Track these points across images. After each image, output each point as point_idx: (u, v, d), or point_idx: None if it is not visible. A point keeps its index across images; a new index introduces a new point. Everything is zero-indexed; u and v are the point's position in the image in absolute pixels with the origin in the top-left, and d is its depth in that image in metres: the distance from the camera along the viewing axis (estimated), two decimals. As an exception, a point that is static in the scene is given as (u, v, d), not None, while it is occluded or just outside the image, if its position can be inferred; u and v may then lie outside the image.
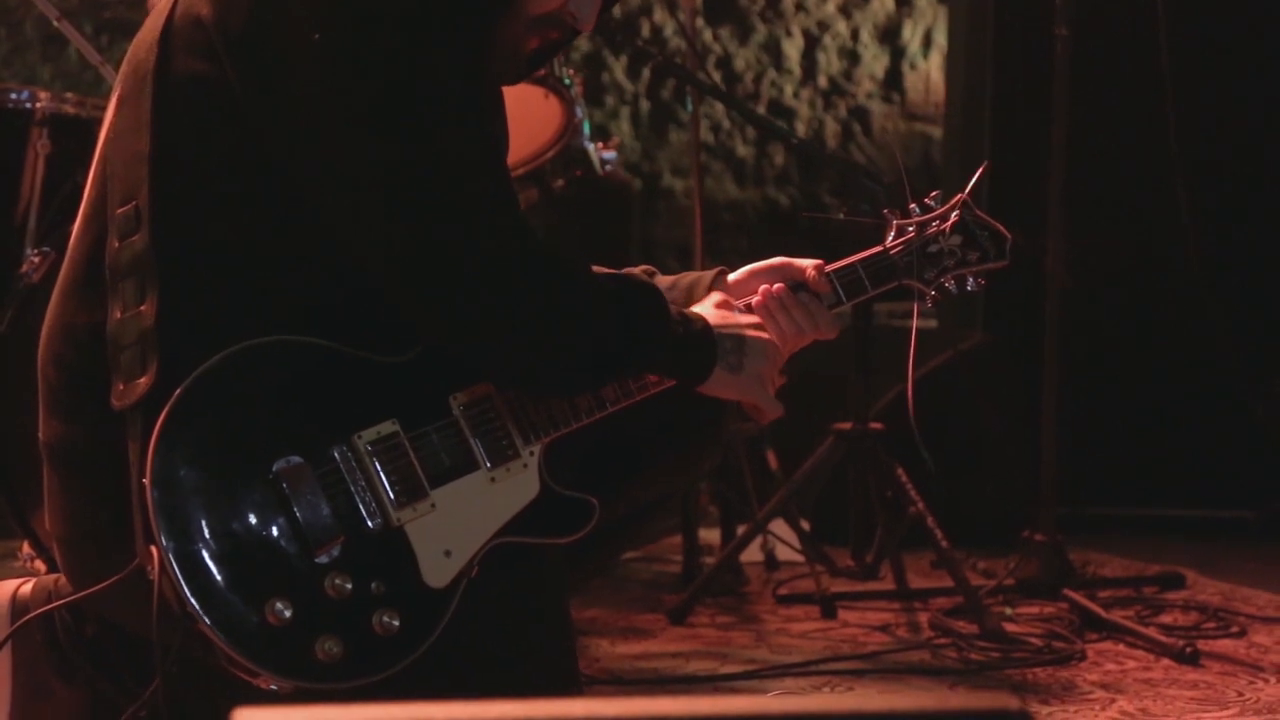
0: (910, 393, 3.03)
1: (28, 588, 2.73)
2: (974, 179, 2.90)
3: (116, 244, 2.49)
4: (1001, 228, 2.87)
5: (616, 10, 6.54)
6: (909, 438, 4.44)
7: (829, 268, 2.77)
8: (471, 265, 2.39)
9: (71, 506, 2.55)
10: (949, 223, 2.84)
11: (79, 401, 2.51)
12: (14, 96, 3.97)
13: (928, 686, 3.63)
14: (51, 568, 3.19)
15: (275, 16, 2.42)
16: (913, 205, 2.85)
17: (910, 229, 2.83)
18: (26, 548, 3.38)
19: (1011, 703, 1.53)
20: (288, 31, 2.40)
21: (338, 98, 2.39)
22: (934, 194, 2.87)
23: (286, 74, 2.40)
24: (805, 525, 4.52)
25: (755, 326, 2.61)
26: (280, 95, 2.41)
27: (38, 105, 3.95)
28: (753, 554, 4.63)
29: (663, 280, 2.79)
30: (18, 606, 2.69)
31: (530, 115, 4.06)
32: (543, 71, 3.94)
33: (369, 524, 2.42)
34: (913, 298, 2.85)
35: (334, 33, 2.39)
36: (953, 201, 2.85)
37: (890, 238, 2.82)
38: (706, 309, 2.62)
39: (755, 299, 2.71)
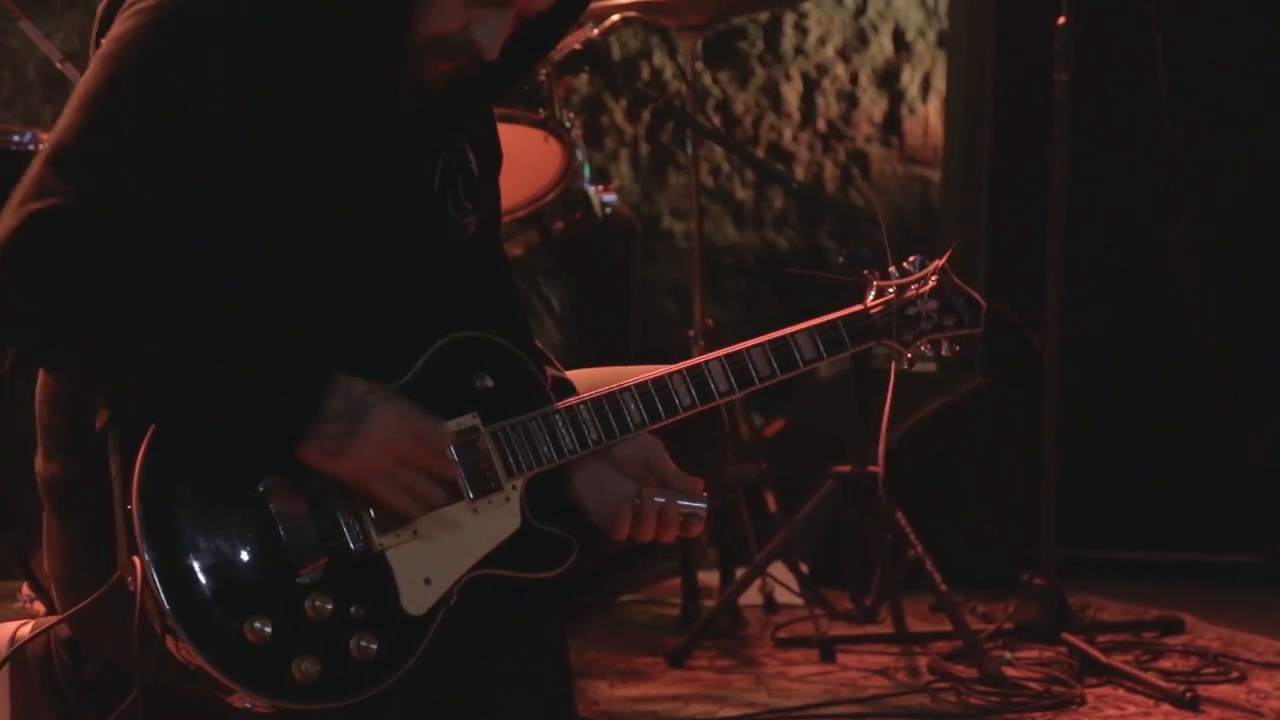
0: (882, 445, 3.04)
1: (26, 629, 2.73)
2: (948, 251, 2.93)
3: None
4: (977, 295, 2.90)
5: (616, 52, 6.56)
6: (908, 481, 4.45)
7: (814, 322, 2.79)
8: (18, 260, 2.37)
9: (69, 546, 2.55)
10: (927, 287, 2.87)
11: (73, 440, 2.51)
12: (16, 139, 3.97)
13: (927, 730, 3.63)
14: (51, 609, 3.18)
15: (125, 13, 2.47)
16: (891, 269, 2.88)
17: (890, 290, 2.86)
18: (26, 589, 3.37)
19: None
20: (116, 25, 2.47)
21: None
22: (912, 259, 2.90)
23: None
24: (804, 568, 4.51)
25: (386, 430, 2.43)
26: None
27: (40, 147, 3.95)
28: (752, 597, 4.62)
29: None
30: (16, 648, 2.69)
31: (530, 158, 4.06)
32: (543, 114, 3.95)
33: (351, 547, 2.43)
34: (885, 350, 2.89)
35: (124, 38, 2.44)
36: (931, 267, 2.88)
37: (870, 297, 2.86)
38: (386, 401, 2.46)
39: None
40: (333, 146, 2.52)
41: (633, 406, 2.65)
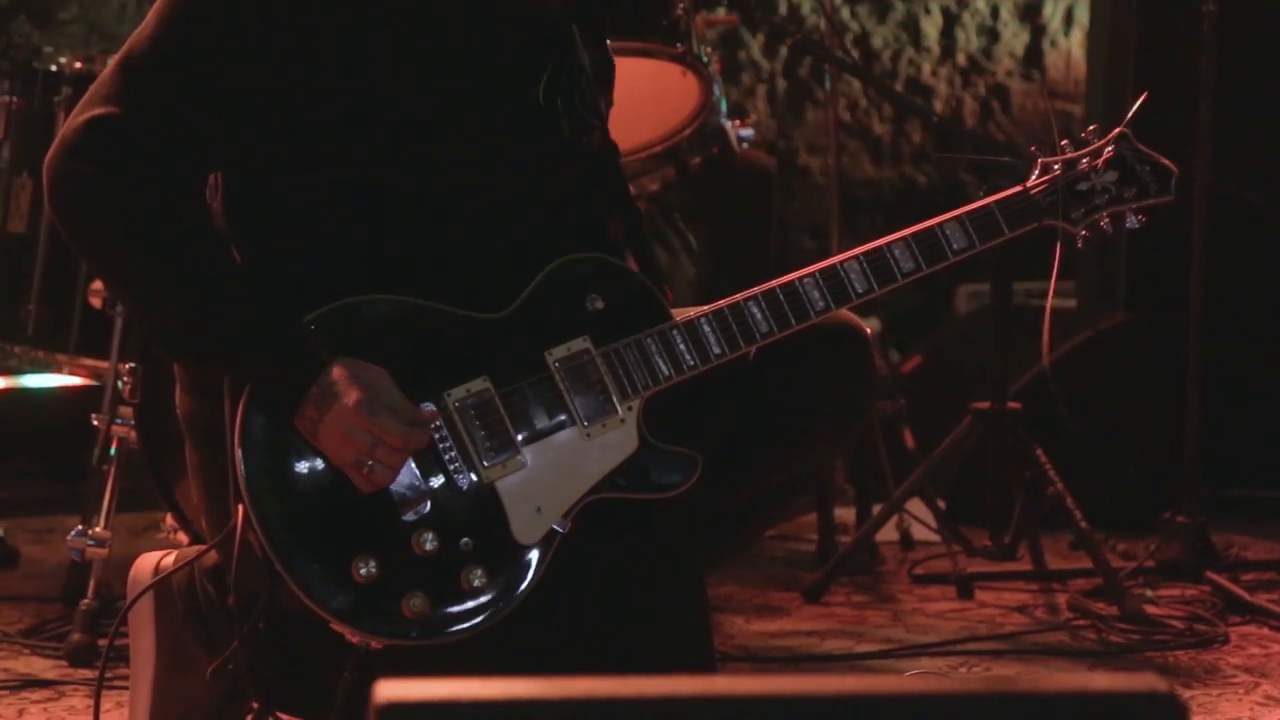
0: (1045, 346, 2.90)
1: (170, 559, 2.76)
2: (1131, 111, 2.77)
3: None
4: (1166, 161, 2.75)
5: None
6: (1047, 416, 4.40)
7: (965, 209, 2.67)
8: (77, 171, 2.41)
9: (209, 478, 2.58)
10: (1102, 159, 2.72)
11: (208, 377, 2.53)
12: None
13: (1067, 668, 3.60)
14: (194, 540, 3.22)
15: None
16: (1065, 141, 2.74)
17: (1056, 167, 2.71)
18: (170, 520, 3.42)
19: (1159, 685, 1.49)
20: None
21: None
22: (1091, 128, 2.76)
23: None
24: (942, 505, 4.48)
25: (356, 410, 2.38)
26: None
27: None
28: (888, 533, 4.60)
29: None
30: (161, 577, 2.73)
31: (668, 93, 4.04)
32: (680, 48, 3.92)
33: (458, 480, 2.43)
34: (1057, 238, 2.73)
35: None
36: (1108, 136, 2.73)
37: (1034, 176, 2.71)
38: (349, 391, 2.40)
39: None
40: (431, 66, 2.50)
41: (759, 315, 2.56)
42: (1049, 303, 2.93)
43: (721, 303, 2.57)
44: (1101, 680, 1.52)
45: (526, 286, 2.52)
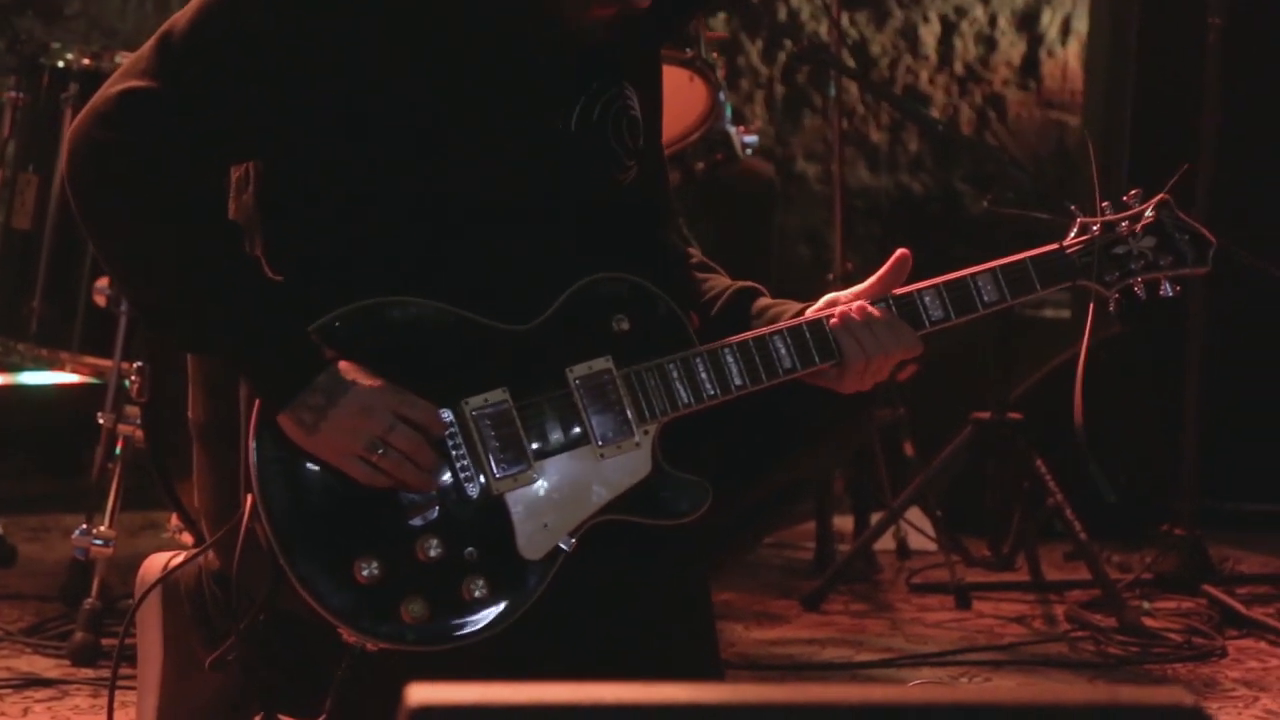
0: (1078, 402, 2.85)
1: (179, 559, 2.76)
2: (1173, 179, 2.75)
3: (233, 205, 2.55)
4: (1205, 231, 2.71)
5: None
6: (1046, 428, 4.40)
7: (1000, 262, 2.65)
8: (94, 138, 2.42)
9: (216, 482, 2.58)
10: (1141, 223, 2.69)
11: (220, 378, 2.53)
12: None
13: (1067, 680, 3.60)
14: (199, 540, 3.22)
15: None
16: (1105, 204, 2.70)
17: (1094, 227, 2.68)
18: (175, 520, 3.41)
19: (1185, 698, 1.50)
20: None
21: None
22: (1133, 192, 2.72)
23: None
24: (939, 514, 4.48)
25: (371, 399, 2.39)
26: None
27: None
28: (884, 542, 4.60)
29: (760, 304, 2.68)
30: (168, 578, 2.73)
31: (675, 97, 4.01)
32: (690, 54, 3.92)
33: (468, 489, 2.43)
34: (1091, 298, 2.69)
35: None
36: (1150, 202, 2.69)
37: (1071, 235, 2.68)
38: (369, 378, 2.41)
39: (833, 320, 2.56)
40: (461, 83, 2.50)
41: (783, 350, 2.55)
42: (1080, 365, 2.88)
43: (747, 335, 2.56)
44: (1128, 693, 1.53)
45: (554, 302, 2.53)
